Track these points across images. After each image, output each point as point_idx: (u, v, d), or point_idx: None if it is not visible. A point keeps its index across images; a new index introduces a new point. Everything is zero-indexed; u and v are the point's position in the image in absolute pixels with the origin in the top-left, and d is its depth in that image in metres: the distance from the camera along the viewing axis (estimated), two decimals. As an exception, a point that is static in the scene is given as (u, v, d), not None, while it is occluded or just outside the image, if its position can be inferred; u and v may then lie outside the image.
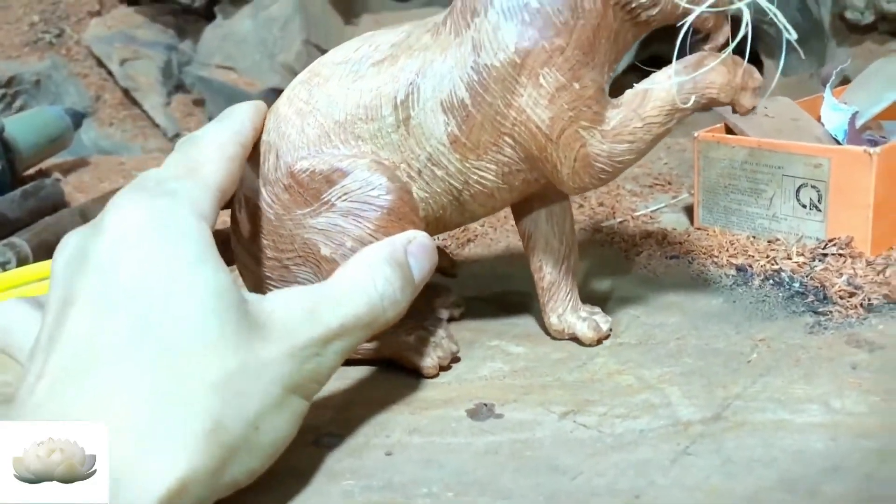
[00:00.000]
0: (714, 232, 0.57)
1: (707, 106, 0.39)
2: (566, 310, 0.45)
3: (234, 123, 0.39)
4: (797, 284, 0.49)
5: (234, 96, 1.15)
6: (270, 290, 0.42)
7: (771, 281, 0.50)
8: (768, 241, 0.54)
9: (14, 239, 0.61)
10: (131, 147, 1.17)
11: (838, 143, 0.58)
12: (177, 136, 1.20)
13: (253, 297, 0.33)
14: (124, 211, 0.33)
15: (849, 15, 0.94)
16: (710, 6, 0.37)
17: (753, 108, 0.40)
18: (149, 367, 0.30)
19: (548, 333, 0.46)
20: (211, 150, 0.37)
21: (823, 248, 0.51)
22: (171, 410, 0.29)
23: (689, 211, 0.62)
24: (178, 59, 1.26)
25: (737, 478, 0.33)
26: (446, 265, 0.53)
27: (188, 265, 0.31)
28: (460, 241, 0.61)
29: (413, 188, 0.41)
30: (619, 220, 0.62)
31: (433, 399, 0.40)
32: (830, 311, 0.45)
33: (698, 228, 0.59)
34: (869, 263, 0.50)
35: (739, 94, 0.39)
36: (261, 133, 0.41)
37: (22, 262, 0.59)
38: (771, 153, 0.54)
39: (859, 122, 0.59)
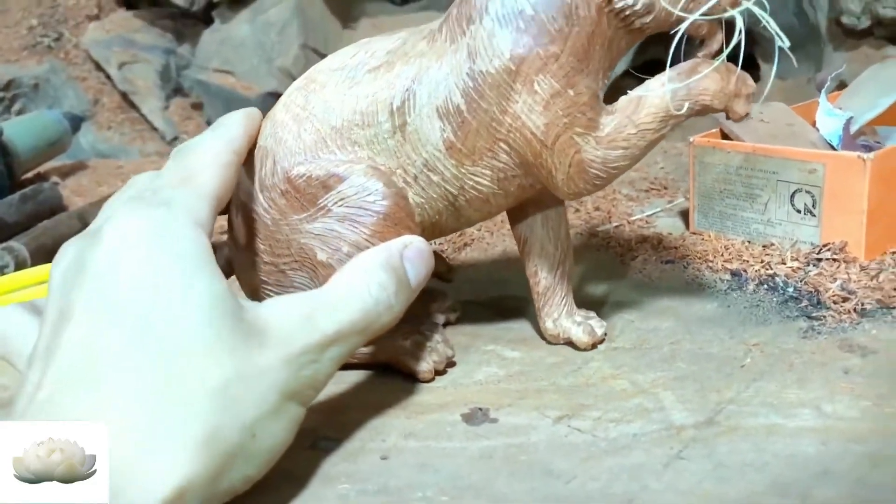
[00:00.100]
0: (709, 236, 0.58)
1: (701, 112, 0.40)
2: (561, 314, 0.45)
3: (228, 131, 0.39)
4: (791, 289, 0.49)
5: (231, 100, 1.15)
6: (267, 295, 0.42)
7: (765, 286, 0.50)
8: (763, 246, 0.54)
9: (12, 243, 0.61)
10: (129, 150, 1.17)
11: (833, 148, 0.59)
12: (175, 139, 1.20)
13: (249, 305, 0.34)
14: (122, 221, 0.33)
15: (845, 20, 0.95)
16: (703, 14, 0.38)
17: (747, 114, 0.40)
18: (146, 376, 0.30)
19: (543, 338, 0.46)
20: (206, 158, 0.37)
21: (818, 253, 0.51)
22: (168, 419, 0.29)
23: (684, 215, 0.62)
24: (177, 62, 1.26)
25: (729, 482, 0.33)
26: (442, 269, 0.53)
27: (185, 274, 0.32)
28: (457, 246, 0.61)
29: (409, 193, 0.41)
30: (614, 224, 0.62)
31: (428, 403, 0.41)
32: (824, 316, 0.46)
33: (693, 233, 0.59)
34: (863, 268, 0.50)
35: (733, 100, 0.39)
36: (255, 140, 0.42)
37: (20, 265, 0.59)
38: (766, 158, 0.54)
39: (854, 128, 0.59)
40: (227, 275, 0.43)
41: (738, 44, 0.38)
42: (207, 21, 1.27)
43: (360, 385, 0.43)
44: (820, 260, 0.51)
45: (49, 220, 0.67)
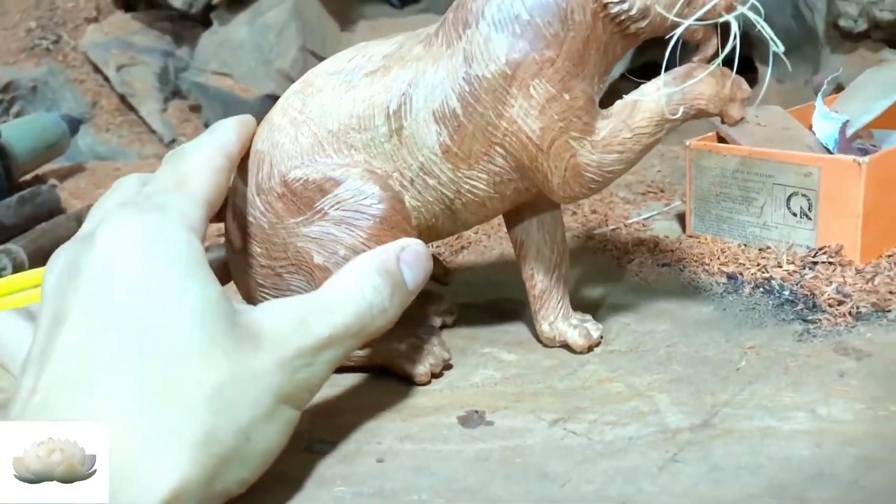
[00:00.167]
0: (705, 240, 0.58)
1: (696, 117, 0.40)
2: (557, 317, 0.45)
3: (221, 137, 0.39)
4: (787, 292, 0.49)
5: (230, 103, 1.15)
6: (264, 299, 0.42)
7: (761, 289, 0.50)
8: (759, 249, 0.54)
9: (10, 245, 0.61)
10: (127, 153, 1.17)
11: (829, 151, 0.59)
12: (173, 141, 1.20)
13: (243, 308, 0.34)
14: (115, 225, 0.33)
15: (842, 23, 0.95)
16: (698, 18, 0.38)
17: (742, 118, 0.40)
18: (141, 380, 0.30)
19: (539, 341, 0.46)
20: (199, 163, 0.37)
21: (813, 257, 0.52)
22: (163, 422, 0.29)
23: (681, 219, 0.62)
24: (175, 65, 1.26)
25: (724, 485, 0.33)
26: (439, 273, 0.53)
27: (178, 278, 0.32)
28: (454, 249, 0.61)
29: (405, 197, 0.41)
30: (611, 227, 0.62)
31: (424, 406, 0.41)
32: (819, 320, 0.46)
33: (690, 236, 0.59)
34: (858, 272, 0.50)
35: (728, 105, 0.39)
36: (248, 146, 0.42)
37: (18, 268, 0.59)
38: (762, 162, 0.54)
39: (850, 131, 0.59)
40: (224, 279, 0.43)
41: (734, 48, 0.38)
42: (206, 23, 1.27)
43: (356, 388, 0.43)
44: (816, 263, 0.51)
45: (47, 222, 0.68)
